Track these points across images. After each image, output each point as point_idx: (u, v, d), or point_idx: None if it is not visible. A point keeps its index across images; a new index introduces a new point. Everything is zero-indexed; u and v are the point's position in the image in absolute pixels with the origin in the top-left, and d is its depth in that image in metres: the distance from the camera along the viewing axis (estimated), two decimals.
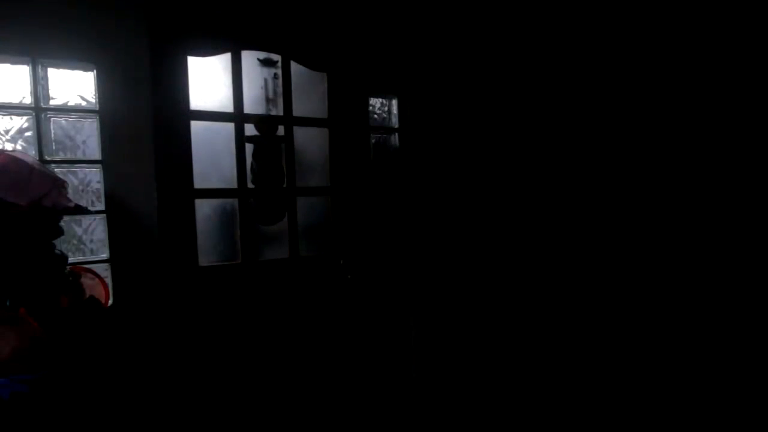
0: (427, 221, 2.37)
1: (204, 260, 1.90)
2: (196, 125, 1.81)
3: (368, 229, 2.21)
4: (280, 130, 2.07)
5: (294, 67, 2.01)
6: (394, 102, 2.43)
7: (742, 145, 2.09)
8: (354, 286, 2.15)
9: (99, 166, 1.80)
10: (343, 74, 2.10)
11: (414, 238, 2.36)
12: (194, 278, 1.80)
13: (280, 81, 2.03)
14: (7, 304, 1.43)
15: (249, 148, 2.02)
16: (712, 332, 2.15)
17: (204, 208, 2.00)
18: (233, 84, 1.88)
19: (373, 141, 2.40)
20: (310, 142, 2.18)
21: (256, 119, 2.05)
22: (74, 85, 1.82)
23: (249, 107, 1.99)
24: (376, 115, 2.45)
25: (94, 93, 1.78)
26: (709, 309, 2.16)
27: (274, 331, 1.97)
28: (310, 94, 2.11)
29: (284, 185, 2.07)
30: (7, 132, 1.76)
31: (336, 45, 2.08)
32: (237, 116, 1.89)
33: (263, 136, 2.10)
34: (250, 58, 2.07)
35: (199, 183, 1.83)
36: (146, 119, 1.73)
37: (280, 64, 2.04)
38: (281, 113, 2.02)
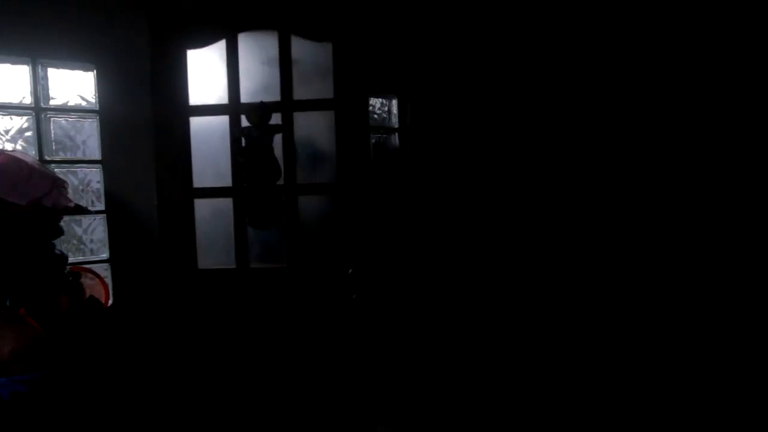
0: (427, 222, 2.37)
1: (202, 263, 1.87)
2: (195, 123, 1.79)
3: (377, 233, 2.07)
4: (276, 119, 1.86)
5: (295, 45, 1.78)
6: (394, 102, 2.42)
7: (742, 145, 2.09)
8: (361, 305, 1.91)
9: (99, 166, 1.80)
10: (349, 45, 1.86)
11: (414, 239, 2.35)
12: (193, 281, 1.78)
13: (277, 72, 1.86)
14: (7, 304, 1.43)
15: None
16: (713, 332, 2.14)
17: (203, 208, 1.97)
18: (228, 72, 1.77)
19: (373, 141, 2.39)
20: (309, 133, 1.99)
21: (247, 107, 1.84)
22: (74, 85, 1.82)
23: (247, 100, 1.85)
24: (376, 115, 2.44)
25: (94, 93, 1.79)
26: (709, 309, 2.16)
27: (271, 343, 1.86)
28: (310, 79, 1.91)
29: (281, 182, 1.86)
30: (7, 132, 1.76)
31: (339, 17, 1.88)
32: (232, 107, 1.78)
33: (256, 126, 1.86)
34: (248, 52, 1.95)
35: (198, 182, 1.80)
36: (146, 119, 1.73)
37: (277, 43, 1.84)
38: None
